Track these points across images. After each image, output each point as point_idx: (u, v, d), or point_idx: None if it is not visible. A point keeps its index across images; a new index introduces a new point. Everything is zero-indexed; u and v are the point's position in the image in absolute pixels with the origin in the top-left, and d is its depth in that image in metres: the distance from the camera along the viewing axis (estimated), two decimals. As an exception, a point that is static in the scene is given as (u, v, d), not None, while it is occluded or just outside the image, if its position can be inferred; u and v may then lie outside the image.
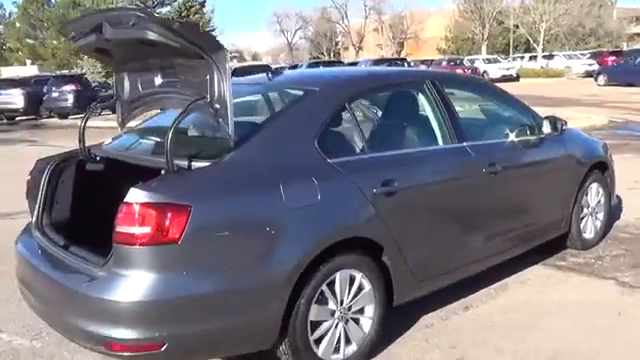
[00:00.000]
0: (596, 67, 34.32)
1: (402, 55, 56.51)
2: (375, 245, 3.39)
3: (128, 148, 3.66)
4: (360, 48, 66.99)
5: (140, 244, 2.75)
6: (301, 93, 3.69)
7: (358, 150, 3.59)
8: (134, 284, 2.78)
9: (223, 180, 2.97)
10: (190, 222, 2.74)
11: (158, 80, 3.51)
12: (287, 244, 3.02)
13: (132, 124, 4.07)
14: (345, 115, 3.66)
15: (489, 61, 40.10)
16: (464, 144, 3.99)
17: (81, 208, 3.67)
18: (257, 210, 3.01)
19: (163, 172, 3.00)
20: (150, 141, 3.65)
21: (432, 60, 42.51)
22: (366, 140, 3.62)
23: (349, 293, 3.30)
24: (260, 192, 3.05)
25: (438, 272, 3.80)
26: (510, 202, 4.32)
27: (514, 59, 45.39)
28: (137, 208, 2.74)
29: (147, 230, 2.73)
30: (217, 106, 3.05)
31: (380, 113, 4.21)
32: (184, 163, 3.00)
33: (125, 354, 2.81)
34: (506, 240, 4.28)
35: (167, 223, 2.72)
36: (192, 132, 3.57)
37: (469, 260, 4.01)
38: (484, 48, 53.15)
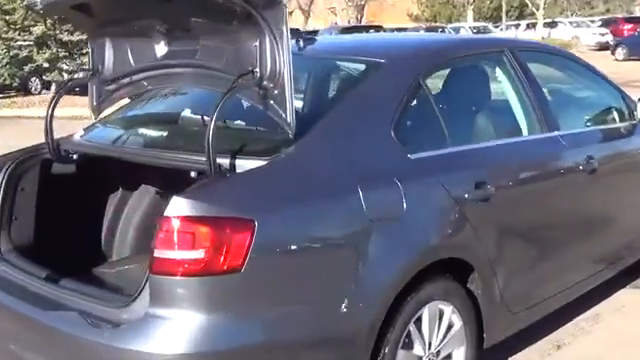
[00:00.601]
0: (610, 38, 34.31)
1: (362, 22, 54.16)
2: (465, 268, 3.10)
3: (119, 142, 3.33)
4: (309, 14, 64.55)
5: (188, 274, 2.38)
6: (362, 67, 3.33)
7: (441, 142, 3.25)
8: (182, 330, 2.39)
9: (287, 184, 2.65)
10: (254, 243, 2.39)
11: (162, 49, 3.11)
12: (371, 271, 2.69)
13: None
14: (422, 96, 3.28)
15: (478, 30, 39.28)
16: (556, 133, 3.70)
17: (51, 224, 3.30)
18: (333, 226, 2.70)
19: (194, 174, 2.71)
20: (156, 132, 3.33)
21: (405, 29, 39.75)
22: (449, 129, 3.27)
23: (438, 333, 3.00)
24: (335, 200, 2.70)
25: (534, 300, 3.53)
26: (609, 207, 4.06)
27: (507, 27, 44.54)
28: (185, 225, 2.38)
29: (199, 255, 2.36)
30: (269, 85, 2.69)
31: (460, 93, 3.76)
32: (225, 162, 2.65)
33: None
34: (604, 257, 4.03)
35: (227, 245, 2.35)
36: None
37: (568, 284, 3.75)
38: (470, 14, 51.07)
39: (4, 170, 3.17)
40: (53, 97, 3.36)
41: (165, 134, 3.29)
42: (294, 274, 2.52)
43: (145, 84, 3.30)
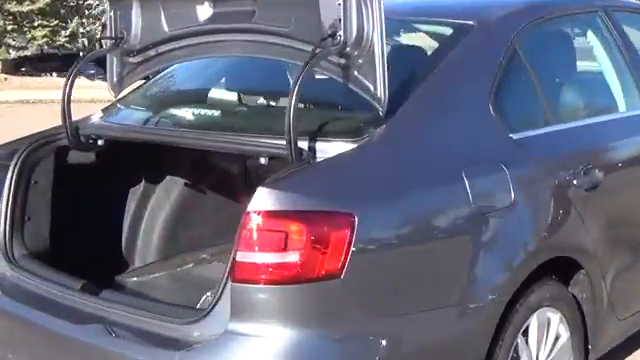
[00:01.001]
0: None
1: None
2: (570, 268, 2.96)
3: (151, 123, 3.20)
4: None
5: (279, 282, 2.22)
6: (449, 31, 3.14)
7: (543, 119, 3.11)
8: (272, 350, 2.23)
9: (384, 171, 2.50)
10: (355, 242, 2.23)
11: (206, 11, 2.86)
12: (482, 272, 2.58)
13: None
14: (518, 64, 3.10)
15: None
16: None
17: (71, 223, 3.18)
18: (439, 220, 2.58)
19: (264, 160, 2.56)
20: (201, 112, 3.18)
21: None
22: (549, 103, 3.15)
23: (545, 345, 2.87)
24: (440, 189, 2.57)
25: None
26: None
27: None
28: (275, 222, 2.23)
29: (293, 258, 2.19)
30: (354, 52, 2.49)
31: (557, 60, 3.66)
32: (303, 145, 2.47)
33: None
34: None
35: (324, 245, 2.19)
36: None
37: None
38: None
39: (14, 161, 2.99)
40: (71, 72, 3.15)
41: (213, 114, 3.14)
42: (398, 279, 2.38)
43: (180, 54, 3.11)
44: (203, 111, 3.17)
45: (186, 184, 3.56)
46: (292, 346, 2.20)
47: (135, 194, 3.54)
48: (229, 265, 2.26)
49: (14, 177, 2.96)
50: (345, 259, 2.18)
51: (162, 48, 3.10)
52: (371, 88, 2.46)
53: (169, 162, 3.47)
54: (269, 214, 2.20)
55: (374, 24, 2.44)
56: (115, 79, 3.25)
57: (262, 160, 2.56)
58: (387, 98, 2.44)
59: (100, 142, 3.13)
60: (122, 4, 3.13)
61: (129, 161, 3.32)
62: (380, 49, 2.43)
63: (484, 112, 2.75)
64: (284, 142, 2.41)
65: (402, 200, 2.45)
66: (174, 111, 3.26)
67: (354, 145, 2.46)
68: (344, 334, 2.26)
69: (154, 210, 3.55)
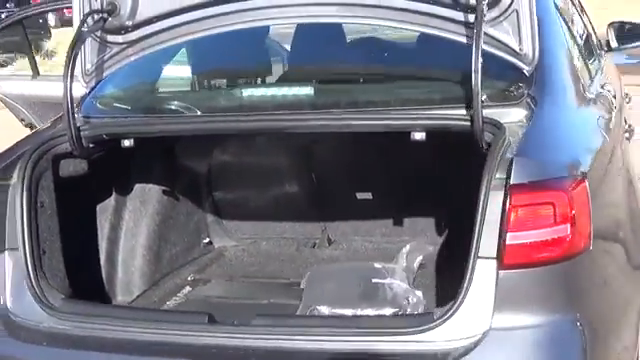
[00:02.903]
0: None
1: None
2: None
3: (204, 109, 3.11)
4: None
5: (550, 261, 2.21)
6: None
7: None
8: (548, 340, 2.22)
9: (570, 130, 2.66)
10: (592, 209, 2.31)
11: None
12: None
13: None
14: None
15: None
16: None
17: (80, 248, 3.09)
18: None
19: (420, 136, 2.63)
20: (279, 90, 3.28)
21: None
22: None
23: None
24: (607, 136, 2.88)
25: None
26: None
27: None
28: (545, 194, 2.23)
29: (563, 232, 2.19)
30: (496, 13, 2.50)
31: None
32: (458, 112, 2.61)
33: None
34: None
35: (580, 213, 2.21)
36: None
37: None
38: None
39: (20, 179, 2.68)
40: (69, 57, 2.74)
41: (303, 92, 3.12)
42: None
43: (199, 27, 2.82)
44: (282, 89, 3.15)
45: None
46: (563, 333, 2.20)
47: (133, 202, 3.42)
48: (479, 253, 2.19)
49: (24, 202, 2.65)
50: (590, 227, 2.19)
51: (173, 21, 2.79)
52: (516, 47, 2.49)
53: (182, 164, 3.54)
54: (536, 186, 2.20)
55: None
56: (91, 65, 2.89)
57: (417, 136, 2.55)
58: (537, 57, 2.48)
59: (128, 143, 2.90)
60: None
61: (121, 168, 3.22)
62: (529, 4, 2.44)
63: None
64: (443, 112, 2.60)
65: (600, 158, 2.61)
66: (227, 93, 3.26)
67: (523, 109, 2.53)
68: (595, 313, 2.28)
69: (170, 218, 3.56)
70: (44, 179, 2.81)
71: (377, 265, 3.41)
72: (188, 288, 3.50)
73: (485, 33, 2.48)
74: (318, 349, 2.37)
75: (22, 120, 4.55)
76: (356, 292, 3.18)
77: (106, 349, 2.53)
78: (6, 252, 2.68)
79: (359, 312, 2.88)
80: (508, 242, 2.17)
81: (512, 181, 2.19)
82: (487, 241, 2.23)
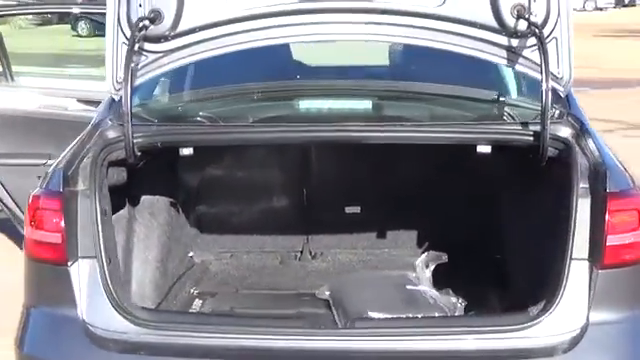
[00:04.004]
0: None
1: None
2: None
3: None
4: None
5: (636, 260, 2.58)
6: None
7: None
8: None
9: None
10: None
11: None
12: None
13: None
14: None
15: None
16: None
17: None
18: None
19: (486, 149, 2.91)
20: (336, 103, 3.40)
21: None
22: None
23: None
24: None
25: None
26: None
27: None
28: (631, 200, 2.60)
29: None
30: (544, 33, 2.72)
31: None
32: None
33: None
34: None
35: None
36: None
37: None
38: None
39: (93, 185, 2.67)
40: (127, 67, 2.73)
41: (361, 105, 3.35)
42: None
43: (243, 39, 2.86)
44: (341, 103, 3.30)
45: None
46: None
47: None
48: (572, 256, 2.48)
49: (97, 209, 2.63)
50: None
51: (216, 31, 2.81)
52: (555, 71, 2.73)
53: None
54: (625, 194, 2.56)
55: (561, 5, 2.71)
56: (123, 72, 2.78)
57: (482, 148, 2.83)
58: (571, 80, 2.77)
59: (187, 151, 2.92)
60: None
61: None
62: (568, 29, 2.72)
63: None
64: (504, 127, 2.98)
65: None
66: (299, 103, 3.31)
67: (568, 127, 2.83)
68: None
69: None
70: (104, 186, 2.79)
71: (401, 273, 3.60)
72: (199, 301, 3.47)
73: (529, 58, 2.78)
74: (429, 349, 2.55)
75: None
76: (398, 298, 3.31)
77: (197, 356, 2.57)
78: (80, 261, 2.64)
79: (413, 316, 3.03)
80: (608, 244, 2.48)
81: (609, 189, 2.51)
82: (580, 244, 2.53)
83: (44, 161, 4.51)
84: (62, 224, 2.63)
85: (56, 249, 2.66)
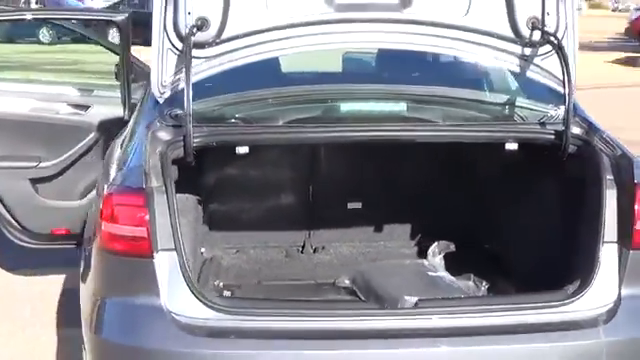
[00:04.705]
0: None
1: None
2: None
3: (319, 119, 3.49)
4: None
5: None
6: None
7: None
8: None
9: None
10: None
11: None
12: None
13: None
14: None
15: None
16: None
17: None
18: None
19: (513, 146, 3.27)
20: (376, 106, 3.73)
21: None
22: None
23: None
24: None
25: None
26: None
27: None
28: None
29: None
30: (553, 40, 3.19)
31: None
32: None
33: None
34: None
35: None
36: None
37: None
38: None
39: (168, 181, 2.91)
40: (187, 73, 2.94)
41: (397, 108, 3.61)
42: None
43: (285, 45, 3.17)
44: (378, 105, 3.61)
45: None
46: None
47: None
48: (604, 239, 2.87)
49: (174, 203, 2.85)
50: None
51: (257, 38, 3.08)
52: (561, 76, 3.11)
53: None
54: None
55: (568, 17, 3.13)
56: (168, 76, 3.12)
57: (510, 146, 3.20)
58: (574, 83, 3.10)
59: (243, 150, 3.13)
60: None
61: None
62: (574, 39, 3.14)
63: None
64: (530, 126, 3.39)
65: None
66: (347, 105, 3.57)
67: (578, 127, 3.20)
68: None
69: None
70: (173, 183, 2.98)
71: (416, 262, 3.93)
72: (227, 293, 3.59)
73: (539, 66, 3.24)
74: (491, 324, 2.86)
75: None
76: (424, 283, 3.56)
77: (282, 338, 2.81)
78: (160, 253, 2.81)
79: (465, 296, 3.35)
80: (637, 228, 2.86)
81: (636, 180, 2.88)
82: (610, 227, 2.91)
83: (35, 164, 4.78)
84: (147, 218, 2.82)
85: (141, 242, 2.84)
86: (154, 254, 2.85)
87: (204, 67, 3.13)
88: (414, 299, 3.00)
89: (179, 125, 3.12)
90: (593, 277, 2.87)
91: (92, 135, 4.84)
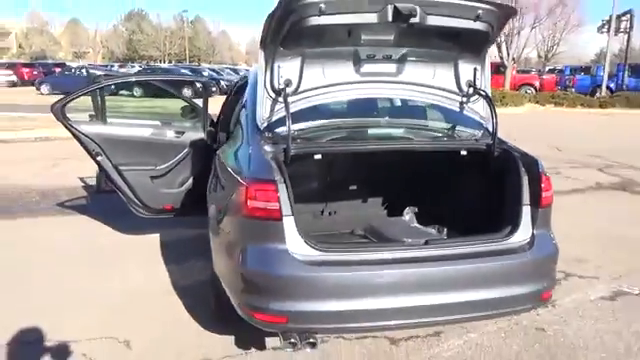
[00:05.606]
0: (15, 78, 47.22)
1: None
2: None
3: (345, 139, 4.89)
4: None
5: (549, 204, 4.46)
6: None
7: None
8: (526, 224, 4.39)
9: None
10: None
11: (359, 69, 4.67)
12: None
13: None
14: None
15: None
16: None
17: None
18: None
19: (464, 152, 4.83)
20: (380, 130, 5.23)
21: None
22: None
23: None
24: None
25: None
26: None
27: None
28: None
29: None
30: (475, 97, 4.89)
31: None
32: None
33: None
34: None
35: None
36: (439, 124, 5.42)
37: None
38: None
39: (287, 178, 4.05)
40: (287, 111, 4.35)
41: (395, 131, 5.12)
42: None
43: (327, 96, 4.67)
44: (387, 130, 5.16)
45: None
46: (541, 237, 4.34)
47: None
48: (523, 203, 4.28)
49: (290, 190, 3.96)
50: None
51: (319, 91, 4.60)
52: (485, 115, 4.84)
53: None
54: (545, 174, 4.35)
55: (485, 81, 4.76)
56: (267, 113, 4.47)
57: (463, 152, 4.71)
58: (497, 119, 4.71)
59: (318, 156, 4.46)
60: (287, 59, 4.40)
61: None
62: (489, 94, 4.77)
63: None
64: (469, 142, 4.80)
65: None
66: (353, 131, 5.00)
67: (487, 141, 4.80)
68: None
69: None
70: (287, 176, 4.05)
71: (398, 219, 5.56)
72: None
73: (472, 108, 4.87)
74: (463, 252, 4.13)
75: (92, 151, 6.27)
76: (411, 231, 5.10)
77: (356, 265, 3.96)
78: (285, 218, 3.93)
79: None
80: (542, 196, 4.23)
81: (541, 171, 4.25)
82: (526, 196, 4.28)
83: (153, 167, 6.57)
84: (278, 196, 3.91)
85: (274, 212, 3.91)
86: (283, 218, 3.91)
87: (281, 108, 4.45)
88: (409, 240, 4.44)
89: (276, 142, 4.33)
90: (519, 223, 4.23)
91: (186, 150, 6.56)
